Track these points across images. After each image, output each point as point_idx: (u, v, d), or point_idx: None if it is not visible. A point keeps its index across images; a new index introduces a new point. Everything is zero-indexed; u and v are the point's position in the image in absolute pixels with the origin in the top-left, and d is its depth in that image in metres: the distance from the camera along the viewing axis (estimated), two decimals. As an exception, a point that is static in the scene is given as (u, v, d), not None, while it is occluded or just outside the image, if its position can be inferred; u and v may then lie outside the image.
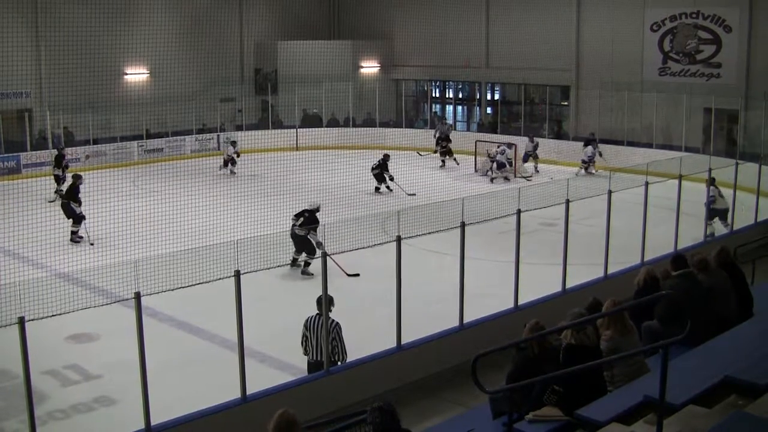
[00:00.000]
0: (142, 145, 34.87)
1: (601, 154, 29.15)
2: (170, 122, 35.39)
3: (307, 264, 17.55)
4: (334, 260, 14.19)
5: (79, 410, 11.54)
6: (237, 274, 10.03)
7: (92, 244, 20.34)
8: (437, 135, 34.23)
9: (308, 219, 17.93)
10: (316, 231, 17.13)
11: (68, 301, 12.21)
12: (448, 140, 33.22)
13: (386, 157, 26.97)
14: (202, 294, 12.43)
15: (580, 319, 8.23)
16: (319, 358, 10.81)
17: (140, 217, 21.20)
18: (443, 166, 32.65)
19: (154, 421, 9.30)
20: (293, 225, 17.96)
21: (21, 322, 8.32)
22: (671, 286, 10.09)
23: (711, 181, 19.13)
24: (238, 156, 30.55)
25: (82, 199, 21.16)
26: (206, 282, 10.88)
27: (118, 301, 11.40)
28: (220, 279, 10.52)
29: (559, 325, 8.18)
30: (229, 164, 29.87)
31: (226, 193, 24.93)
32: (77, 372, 12.67)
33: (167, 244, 16.66)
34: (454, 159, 32.69)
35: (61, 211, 21.17)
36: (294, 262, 17.77)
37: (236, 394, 10.09)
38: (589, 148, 30.00)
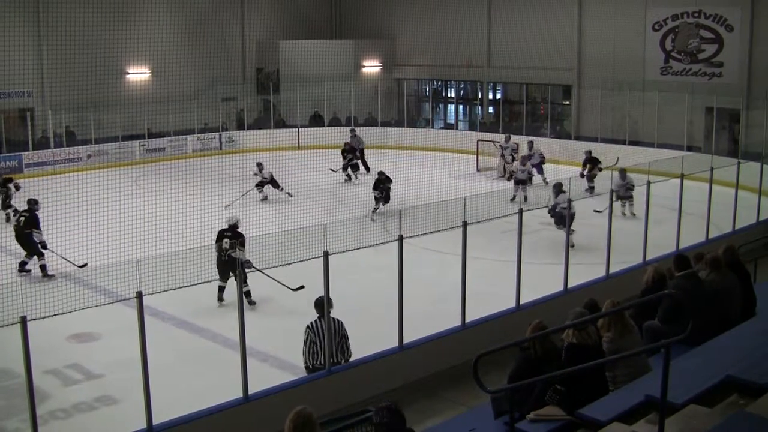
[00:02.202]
0: (144, 145, 34.89)
1: (600, 169, 27.16)
2: (172, 122, 35.43)
3: (248, 294, 15.16)
4: (272, 277, 14.08)
5: (81, 409, 11.55)
6: (239, 274, 10.05)
7: (84, 265, 18.01)
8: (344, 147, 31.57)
9: (234, 236, 15.80)
10: (244, 246, 15.41)
11: (70, 301, 12.26)
12: (354, 152, 30.71)
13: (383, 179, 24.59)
14: (203, 293, 12.52)
15: (582, 318, 8.23)
16: (323, 362, 10.76)
17: (142, 217, 21.21)
18: (348, 180, 29.79)
19: (156, 420, 9.31)
20: (224, 251, 15.52)
21: (23, 321, 8.33)
22: (674, 286, 10.10)
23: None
24: (267, 180, 27.02)
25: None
26: (207, 282, 10.93)
27: (120, 301, 11.43)
28: (213, 280, 10.55)
29: (561, 325, 8.17)
30: (264, 187, 27.97)
31: (227, 193, 24.92)
32: (79, 371, 12.68)
33: (169, 243, 16.66)
34: (358, 170, 30.28)
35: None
36: (222, 292, 15.37)
37: (238, 393, 10.09)
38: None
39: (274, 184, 26.37)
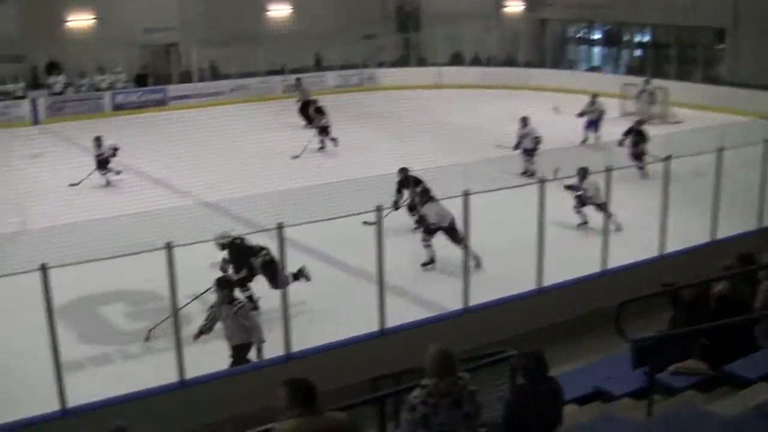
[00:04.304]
0: (285, 80, 35.28)
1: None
2: (312, 58, 35.67)
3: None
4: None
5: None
6: (378, 209, 10.03)
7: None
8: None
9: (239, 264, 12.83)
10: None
11: (213, 229, 12.57)
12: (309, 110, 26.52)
13: None
14: (343, 227, 12.59)
15: (734, 270, 7.92)
16: None
17: (281, 151, 21.50)
18: (323, 147, 24.31)
19: (295, 348, 9.47)
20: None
21: (168, 247, 8.55)
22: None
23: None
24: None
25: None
26: (346, 216, 10.96)
27: (261, 231, 11.62)
28: (360, 213, 10.54)
29: (714, 276, 7.89)
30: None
31: (367, 130, 24.98)
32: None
33: (308, 177, 16.82)
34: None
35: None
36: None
37: (375, 326, 10.14)
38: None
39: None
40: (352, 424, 5.53)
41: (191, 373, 9.25)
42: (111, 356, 11.47)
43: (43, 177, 17.87)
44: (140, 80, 33.94)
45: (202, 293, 11.97)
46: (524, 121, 21.31)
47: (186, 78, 34.18)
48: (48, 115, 31.09)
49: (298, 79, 30.78)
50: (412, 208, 16.32)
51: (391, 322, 10.26)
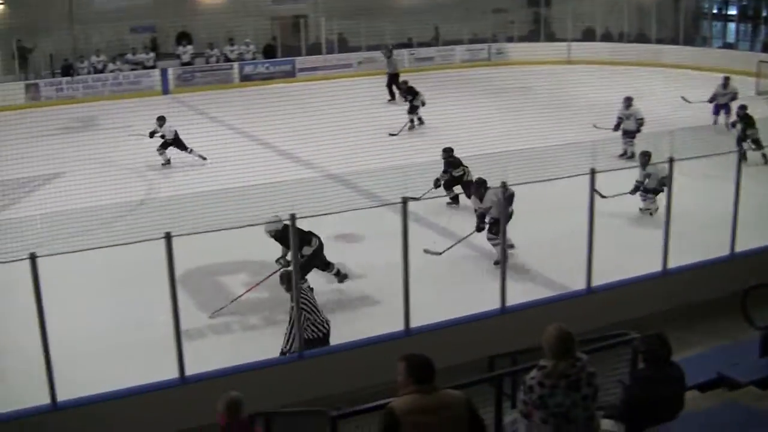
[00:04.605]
0: (413, 53, 35.28)
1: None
2: (441, 31, 35.54)
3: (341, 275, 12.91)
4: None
5: (343, 306, 12.01)
6: (504, 185, 9.96)
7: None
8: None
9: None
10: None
11: (337, 201, 12.69)
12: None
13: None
14: (466, 203, 12.60)
15: None
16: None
17: (408, 126, 21.53)
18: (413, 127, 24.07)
19: (413, 323, 9.51)
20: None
21: (292, 219, 8.68)
22: None
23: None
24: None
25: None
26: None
27: (385, 205, 11.69)
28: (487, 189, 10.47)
29: None
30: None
31: (495, 106, 24.76)
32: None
33: (434, 153, 16.79)
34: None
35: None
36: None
37: (495, 305, 10.10)
38: None
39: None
40: (468, 403, 5.54)
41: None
42: (231, 326, 11.73)
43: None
44: (269, 52, 34.48)
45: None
46: (628, 101, 20.29)
47: (314, 50, 34.55)
48: (177, 85, 31.97)
49: (389, 50, 30.56)
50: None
51: (512, 300, 10.19)
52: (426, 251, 12.83)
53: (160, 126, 20.50)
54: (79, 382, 8.85)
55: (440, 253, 12.88)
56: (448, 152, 16.74)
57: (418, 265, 10.12)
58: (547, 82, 26.23)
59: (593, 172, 10.55)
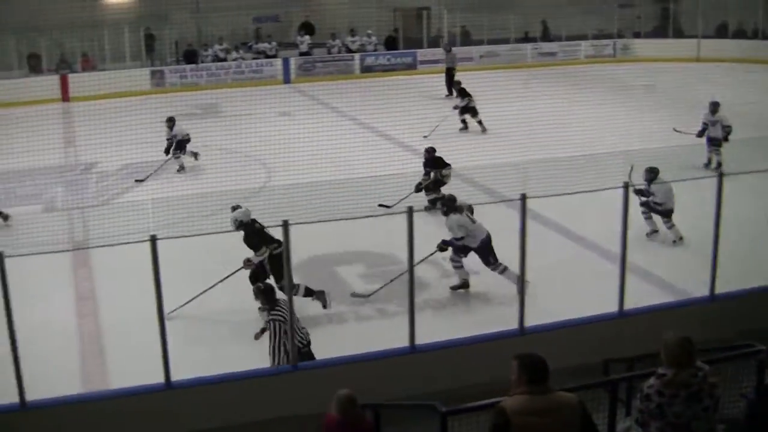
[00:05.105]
0: (537, 48, 34.85)
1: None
2: (565, 26, 35.00)
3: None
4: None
5: (455, 303, 11.90)
6: (626, 186, 9.66)
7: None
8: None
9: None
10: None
11: (457, 195, 12.58)
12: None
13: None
14: (585, 202, 12.29)
15: None
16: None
17: (528, 119, 21.22)
18: (465, 128, 23.06)
19: (528, 322, 9.31)
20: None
21: (409, 211, 8.60)
22: None
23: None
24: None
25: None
26: (590, 191, 10.65)
27: (503, 201, 11.53)
28: (604, 189, 10.18)
29: None
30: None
31: (616, 103, 24.25)
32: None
33: (554, 149, 16.52)
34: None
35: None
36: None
37: (613, 307, 9.80)
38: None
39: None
40: (581, 406, 5.40)
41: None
42: (345, 315, 11.70)
43: (289, 135, 18.52)
44: (390, 43, 34.55)
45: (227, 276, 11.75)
46: (714, 105, 18.13)
47: (436, 42, 34.48)
48: (298, 74, 32.36)
49: (448, 45, 30.48)
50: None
51: (630, 304, 9.89)
52: (354, 295, 11.99)
53: (171, 128, 19.22)
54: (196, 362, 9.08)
55: (368, 296, 11.98)
56: (430, 152, 16.14)
57: (533, 265, 9.87)
58: (673, 80, 25.49)
59: (721, 176, 10.13)
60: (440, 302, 11.85)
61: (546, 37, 36.12)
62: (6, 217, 15.53)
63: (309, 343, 9.37)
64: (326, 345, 9.73)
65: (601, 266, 12.50)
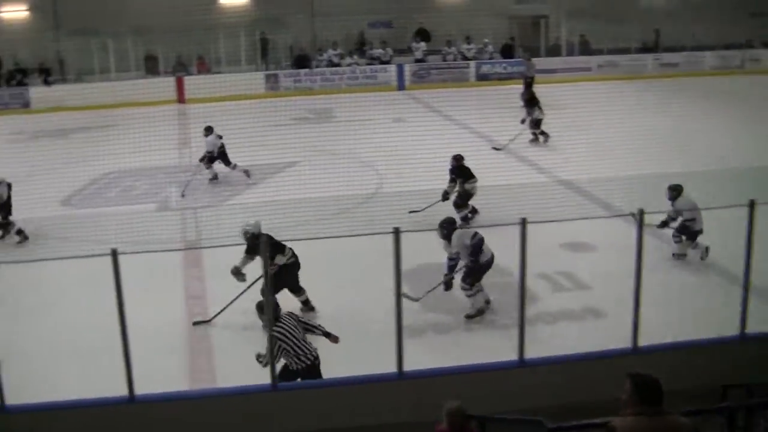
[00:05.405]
0: (658, 59, 34.06)
1: None
2: (689, 36, 33.98)
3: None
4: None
5: (567, 317, 11.66)
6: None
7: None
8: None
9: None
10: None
11: (568, 208, 12.37)
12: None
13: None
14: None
15: None
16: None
17: (645, 133, 20.76)
18: (535, 139, 22.11)
19: (642, 342, 9.04)
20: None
21: (524, 223, 8.42)
22: None
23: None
24: None
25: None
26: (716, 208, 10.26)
27: (618, 216, 11.27)
28: (731, 206, 9.63)
29: None
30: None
31: (738, 118, 23.46)
32: (569, 279, 12.75)
33: (667, 164, 16.02)
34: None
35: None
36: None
37: (734, 330, 9.38)
38: None
39: None
40: (696, 432, 5.21)
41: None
42: (450, 325, 11.59)
43: (402, 142, 18.52)
44: (506, 51, 34.27)
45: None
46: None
47: (554, 51, 34.05)
48: (412, 81, 32.39)
49: (528, 54, 30.40)
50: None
51: (753, 327, 9.47)
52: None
53: (206, 137, 18.72)
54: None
55: (417, 300, 11.59)
56: (458, 159, 15.40)
57: (649, 283, 9.58)
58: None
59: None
60: (552, 315, 11.64)
61: (657, 46, 35.27)
62: (23, 237, 15.12)
63: (316, 358, 9.07)
64: (435, 355, 9.67)
65: (721, 287, 12.07)
